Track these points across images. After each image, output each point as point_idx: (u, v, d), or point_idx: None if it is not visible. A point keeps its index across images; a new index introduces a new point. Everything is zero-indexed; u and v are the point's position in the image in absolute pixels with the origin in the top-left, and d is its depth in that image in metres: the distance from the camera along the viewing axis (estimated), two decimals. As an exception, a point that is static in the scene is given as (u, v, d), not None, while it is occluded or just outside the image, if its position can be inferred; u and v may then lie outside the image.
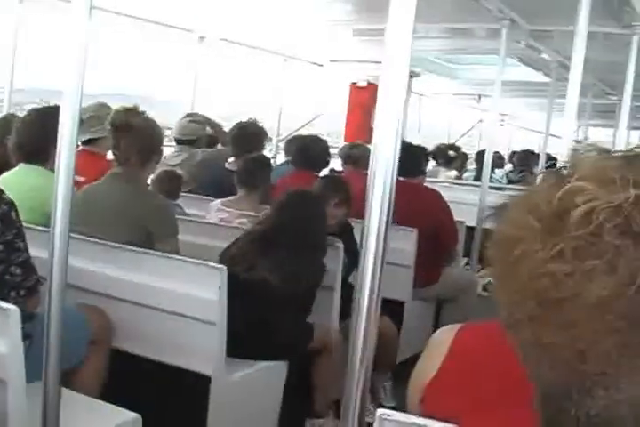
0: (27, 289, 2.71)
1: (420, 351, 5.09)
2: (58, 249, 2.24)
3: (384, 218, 1.86)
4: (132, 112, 3.65)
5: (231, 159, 5.66)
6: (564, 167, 0.72)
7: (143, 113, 3.68)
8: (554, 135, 8.86)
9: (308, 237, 3.70)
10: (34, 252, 2.79)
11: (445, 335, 1.77)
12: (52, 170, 3.58)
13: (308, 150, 5.70)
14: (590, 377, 0.66)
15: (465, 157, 10.66)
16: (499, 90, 5.95)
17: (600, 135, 12.71)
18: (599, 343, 0.65)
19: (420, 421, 1.62)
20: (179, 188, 4.98)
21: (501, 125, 7.39)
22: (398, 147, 1.87)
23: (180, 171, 5.30)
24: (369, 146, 5.96)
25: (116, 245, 3.38)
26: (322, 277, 3.73)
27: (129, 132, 3.58)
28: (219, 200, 4.67)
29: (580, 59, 3.74)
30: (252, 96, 9.67)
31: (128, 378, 3.32)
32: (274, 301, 3.53)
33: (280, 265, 3.56)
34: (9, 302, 2.55)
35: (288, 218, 3.72)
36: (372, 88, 8.89)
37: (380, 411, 1.64)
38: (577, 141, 5.53)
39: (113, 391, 3.08)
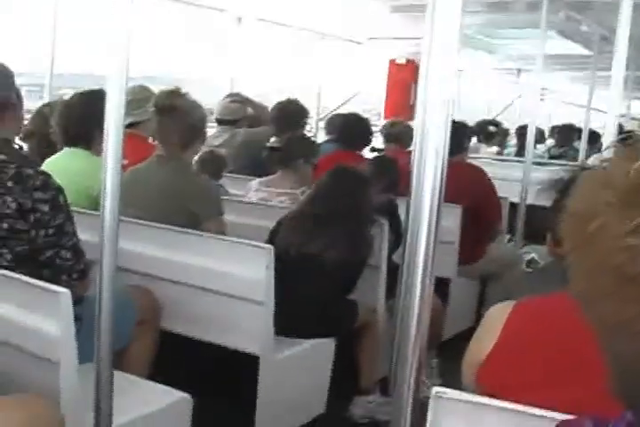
0: (78, 273, 2.73)
1: (465, 328, 5.14)
2: (108, 233, 2.25)
3: (436, 198, 1.85)
4: (175, 94, 3.65)
5: (273, 139, 5.66)
6: (638, 140, 0.70)
7: (186, 94, 3.68)
8: (596, 109, 8.75)
9: (358, 211, 3.70)
10: (81, 235, 2.81)
11: (501, 312, 1.76)
12: (97, 153, 3.64)
13: (350, 128, 5.69)
14: None
15: (506, 132, 10.56)
16: (540, 64, 5.89)
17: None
18: None
19: (476, 399, 1.62)
20: (222, 168, 4.99)
21: (541, 100, 7.29)
22: (449, 125, 1.86)
23: (222, 151, 5.31)
24: (410, 123, 5.96)
25: (162, 226, 3.40)
26: (371, 250, 3.73)
27: (172, 114, 3.59)
28: (257, 180, 4.67)
29: (625, 31, 3.69)
30: (291, 76, 9.62)
31: (177, 359, 3.36)
32: (327, 278, 3.54)
33: (333, 241, 3.57)
34: (61, 285, 2.57)
35: (336, 194, 3.71)
36: (411, 65, 8.85)
37: (435, 389, 1.64)
38: (622, 115, 5.45)
39: (162, 372, 3.11)
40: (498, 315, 1.75)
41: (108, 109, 2.20)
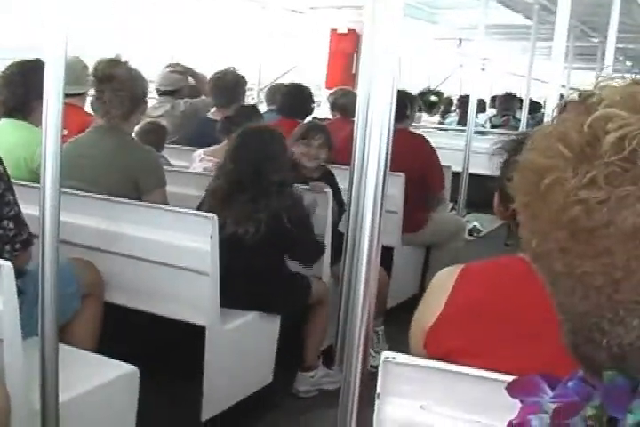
0: (21, 243, 2.68)
1: (410, 297, 5.16)
2: (49, 204, 2.22)
3: (382, 167, 1.85)
4: (115, 62, 3.58)
5: (213, 109, 5.61)
6: (590, 96, 0.70)
7: (126, 63, 3.61)
8: (537, 79, 8.82)
9: (273, 170, 3.52)
10: (23, 208, 2.76)
11: (447, 276, 1.77)
12: (36, 124, 3.57)
13: (291, 98, 5.67)
14: (625, 306, 0.66)
15: (448, 102, 10.62)
16: (481, 33, 5.92)
17: (582, 79, 12.65)
18: (635, 272, 0.64)
19: (426, 362, 1.63)
20: (163, 139, 4.93)
21: (482, 70, 7.32)
22: (394, 94, 1.86)
23: (163, 122, 5.25)
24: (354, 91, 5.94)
25: (105, 197, 3.35)
26: (300, 209, 3.61)
27: (111, 83, 3.51)
28: (201, 150, 4.63)
29: (567, 1, 3.70)
30: (232, 48, 9.52)
31: (123, 331, 3.33)
32: (260, 248, 3.48)
33: (253, 211, 3.45)
34: (4, 256, 2.53)
35: (245, 153, 3.57)
36: (352, 35, 8.81)
37: (384, 354, 1.64)
38: (562, 86, 5.50)
39: (108, 345, 3.08)
40: (445, 279, 1.76)
41: (46, 80, 2.16)
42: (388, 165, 1.89)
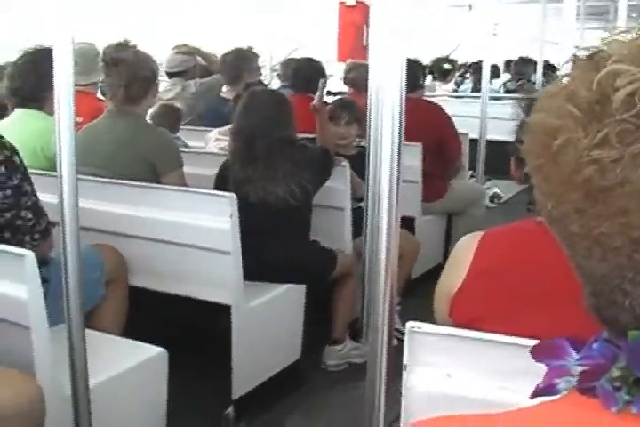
0: (40, 233, 2.69)
1: (434, 266, 5.14)
2: (67, 192, 2.22)
3: (396, 137, 1.84)
4: (123, 46, 3.57)
5: (225, 88, 5.59)
6: (598, 52, 0.69)
7: (134, 47, 3.60)
8: (550, 42, 8.72)
9: (280, 130, 3.60)
10: (41, 197, 2.77)
11: (468, 243, 1.76)
12: (50, 113, 3.57)
13: (303, 73, 5.64)
14: None
15: (462, 69, 10.53)
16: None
17: (595, 39, 12.51)
18: None
19: (451, 331, 1.62)
20: (178, 121, 4.92)
21: (494, 35, 7.26)
22: (404, 65, 1.84)
23: (176, 104, 5.24)
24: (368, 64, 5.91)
25: (123, 182, 3.36)
26: (315, 172, 3.66)
27: (120, 67, 3.51)
28: (216, 130, 4.63)
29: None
30: (241, 27, 9.48)
31: (149, 314, 3.35)
32: (279, 218, 3.53)
33: (275, 178, 3.52)
34: (24, 246, 2.54)
35: (253, 115, 3.62)
36: (361, 6, 8.76)
37: (409, 324, 1.64)
38: (575, 46, 5.43)
39: (136, 329, 3.10)
40: (466, 246, 1.75)
41: (56, 68, 2.16)
42: (403, 134, 1.87)
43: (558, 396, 0.73)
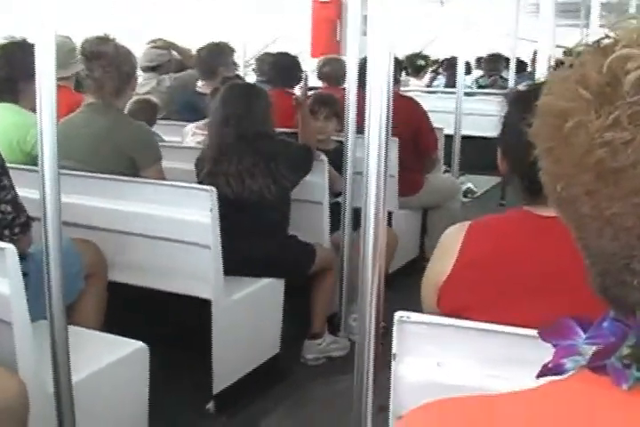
0: (20, 226, 2.67)
1: (409, 260, 5.15)
2: (49, 187, 2.22)
3: (383, 131, 1.85)
4: (104, 40, 3.56)
5: (200, 82, 5.57)
6: (605, 38, 0.69)
7: (113, 40, 3.59)
8: (522, 38, 8.77)
9: (257, 124, 3.59)
10: (19, 191, 2.74)
11: (455, 233, 1.77)
12: (25, 106, 3.55)
13: (279, 67, 5.64)
14: None
15: (435, 65, 10.56)
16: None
17: (566, 36, 12.59)
18: None
19: (440, 320, 1.63)
20: (155, 115, 4.90)
21: (466, 31, 7.29)
22: (392, 59, 1.85)
23: (152, 98, 5.22)
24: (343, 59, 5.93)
25: (102, 175, 3.34)
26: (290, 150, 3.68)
27: (100, 60, 3.49)
28: (193, 124, 4.61)
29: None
30: (214, 21, 9.43)
31: (129, 309, 3.33)
32: (257, 210, 3.54)
33: (250, 173, 3.52)
34: (4, 240, 2.51)
35: (230, 109, 3.60)
36: (335, 2, 8.76)
37: (398, 313, 1.64)
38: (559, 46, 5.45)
39: (115, 324, 3.09)
40: (454, 236, 1.76)
41: (38, 63, 2.16)
42: (390, 129, 1.88)
43: (566, 375, 0.74)
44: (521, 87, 2.08)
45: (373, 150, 1.84)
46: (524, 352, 1.45)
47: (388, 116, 1.84)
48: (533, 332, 1.40)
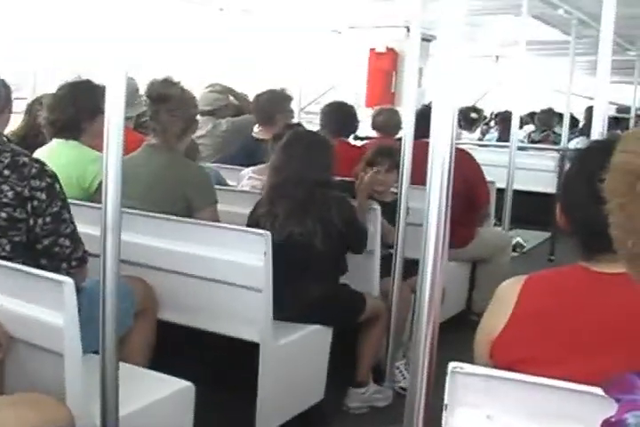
0: (76, 260, 2.72)
1: (456, 313, 5.11)
2: (111, 225, 2.25)
3: (445, 182, 1.87)
4: (168, 83, 3.64)
5: (257, 128, 5.64)
6: None
7: (179, 84, 3.67)
8: (576, 94, 8.77)
9: (317, 172, 3.62)
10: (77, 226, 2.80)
11: (511, 286, 1.77)
12: (86, 144, 3.63)
13: (336, 116, 5.69)
14: None
15: (488, 118, 10.59)
16: (522, 49, 5.92)
17: (619, 92, 12.55)
18: None
19: (494, 372, 1.63)
20: (196, 156, 4.94)
21: (520, 86, 7.31)
22: (456, 113, 1.88)
23: (206, 141, 5.31)
24: (397, 110, 5.99)
25: (158, 215, 3.39)
26: (346, 213, 3.66)
27: (167, 103, 3.57)
28: (249, 168, 4.66)
29: (611, 14, 3.66)
30: (274, 70, 9.55)
31: (177, 349, 3.35)
32: (312, 258, 3.56)
33: (303, 213, 3.55)
34: (60, 273, 2.56)
35: (291, 156, 3.65)
36: (391, 53, 8.85)
37: (452, 364, 1.64)
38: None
39: (163, 362, 3.10)
40: (510, 289, 1.77)
41: (108, 103, 2.22)
42: (451, 181, 1.91)
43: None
44: (576, 144, 2.09)
45: (434, 201, 1.86)
46: (576, 408, 1.45)
47: (450, 168, 1.86)
48: (587, 388, 1.40)
